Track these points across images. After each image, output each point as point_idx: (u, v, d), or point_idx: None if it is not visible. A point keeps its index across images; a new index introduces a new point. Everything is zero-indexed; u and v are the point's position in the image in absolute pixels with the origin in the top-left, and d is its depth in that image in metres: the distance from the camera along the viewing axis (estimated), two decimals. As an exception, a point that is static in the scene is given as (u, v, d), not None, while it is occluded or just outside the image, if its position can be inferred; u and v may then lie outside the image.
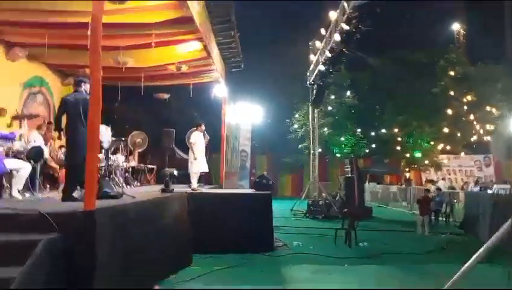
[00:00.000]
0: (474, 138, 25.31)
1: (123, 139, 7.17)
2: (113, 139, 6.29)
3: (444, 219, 12.01)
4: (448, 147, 24.76)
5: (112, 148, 9.17)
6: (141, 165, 11.30)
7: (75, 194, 4.60)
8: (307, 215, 13.73)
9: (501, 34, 25.68)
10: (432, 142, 23.40)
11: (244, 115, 16.46)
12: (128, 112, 16.97)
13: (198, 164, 8.24)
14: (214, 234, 6.89)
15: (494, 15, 25.40)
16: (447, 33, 26.81)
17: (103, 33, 7.58)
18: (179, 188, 8.41)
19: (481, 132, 25.05)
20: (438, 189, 13.17)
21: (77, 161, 4.25)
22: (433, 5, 23.75)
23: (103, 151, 5.87)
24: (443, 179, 22.99)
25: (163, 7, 6.87)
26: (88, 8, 6.76)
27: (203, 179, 12.15)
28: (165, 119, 15.95)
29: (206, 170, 8.59)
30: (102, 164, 6.21)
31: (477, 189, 12.19)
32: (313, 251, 7.55)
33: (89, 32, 3.68)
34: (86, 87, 4.85)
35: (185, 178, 9.20)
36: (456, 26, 27.34)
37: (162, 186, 7.12)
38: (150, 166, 11.50)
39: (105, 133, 5.37)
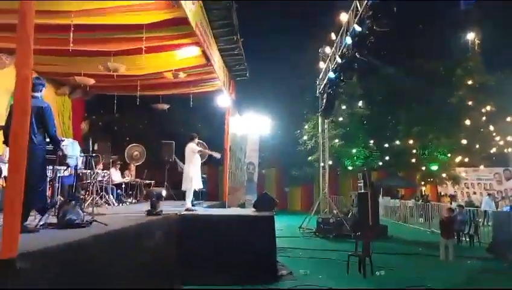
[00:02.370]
0: (493, 150, 24.12)
1: (93, 155, 6.35)
2: (84, 154, 5.51)
3: (468, 240, 10.92)
4: (466, 160, 23.56)
5: (101, 164, 8.48)
6: (137, 180, 10.51)
7: (30, 221, 3.81)
8: (317, 233, 12.77)
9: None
10: (449, 155, 22.24)
11: (251, 126, 15.66)
12: (128, 124, 16.38)
13: (192, 180, 7.39)
14: (207, 263, 6.03)
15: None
16: (463, 42, 25.76)
17: (88, 37, 7.07)
18: (175, 206, 7.61)
19: (501, 143, 23.88)
20: (460, 206, 12.10)
21: (28, 181, 3.44)
22: (448, 13, 22.82)
23: (69, 168, 5.10)
24: (474, 193, 22.07)
25: (153, 6, 6.14)
26: (78, 7, 6.12)
27: (205, 194, 11.34)
28: (166, 131, 15.25)
29: (201, 186, 7.74)
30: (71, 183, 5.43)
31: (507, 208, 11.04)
32: (323, 281, 6.63)
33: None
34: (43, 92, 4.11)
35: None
36: (471, 36, 26.25)
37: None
38: (146, 181, 10.68)
39: (72, 148, 4.60)
